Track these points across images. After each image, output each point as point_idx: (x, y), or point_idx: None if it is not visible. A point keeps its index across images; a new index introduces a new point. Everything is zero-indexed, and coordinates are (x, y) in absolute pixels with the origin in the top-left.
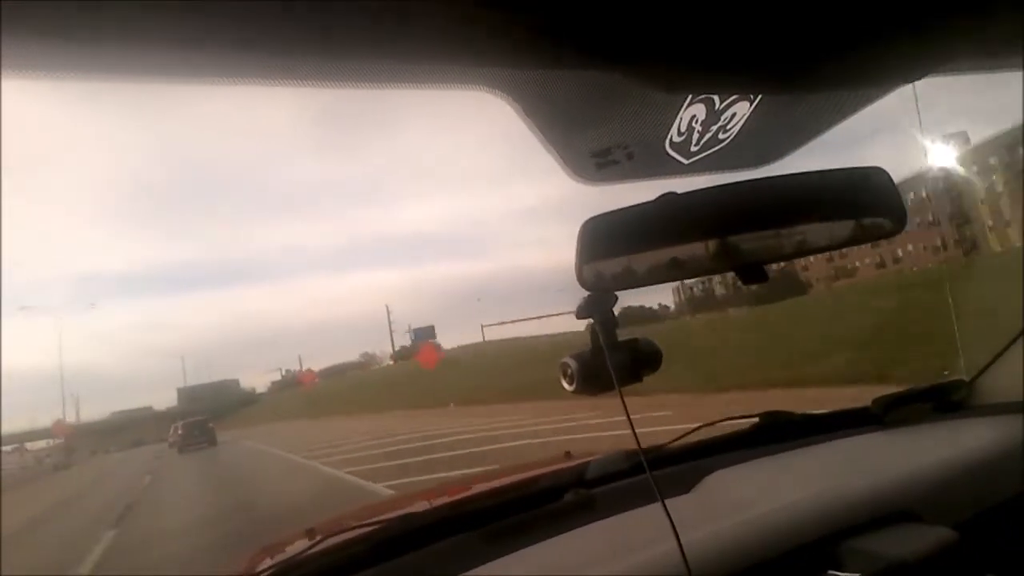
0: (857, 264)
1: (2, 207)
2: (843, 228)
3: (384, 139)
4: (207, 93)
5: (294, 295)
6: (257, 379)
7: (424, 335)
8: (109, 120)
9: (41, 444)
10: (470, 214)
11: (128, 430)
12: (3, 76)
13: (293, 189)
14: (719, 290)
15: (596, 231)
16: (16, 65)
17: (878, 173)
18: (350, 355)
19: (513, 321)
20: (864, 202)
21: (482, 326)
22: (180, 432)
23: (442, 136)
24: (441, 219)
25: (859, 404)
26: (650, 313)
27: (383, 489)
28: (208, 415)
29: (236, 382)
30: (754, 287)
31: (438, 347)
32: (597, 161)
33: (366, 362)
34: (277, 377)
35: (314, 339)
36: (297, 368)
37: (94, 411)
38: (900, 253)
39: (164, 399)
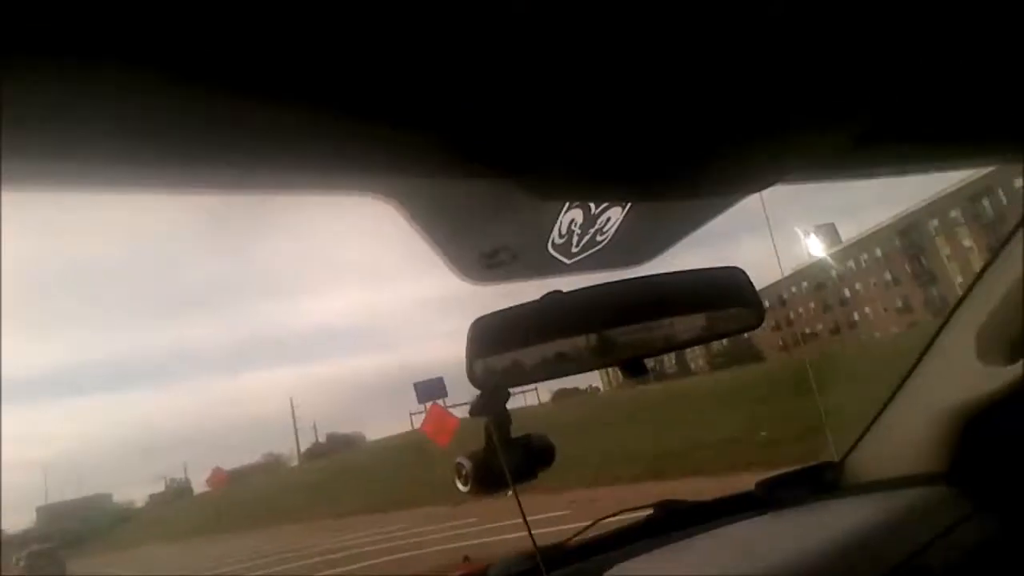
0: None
1: None
2: (709, 322)
3: (278, 238)
4: (83, 200)
5: (182, 398)
6: (136, 492)
7: (431, 392)
8: None
9: None
10: (371, 308)
11: None
12: None
13: (181, 290)
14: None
15: (485, 330)
16: None
17: (737, 273)
18: (251, 458)
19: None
20: (726, 299)
21: (411, 414)
22: (23, 563)
23: (337, 235)
24: (342, 313)
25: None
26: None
27: None
28: (70, 538)
29: (109, 496)
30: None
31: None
32: (486, 262)
33: (270, 463)
34: (160, 488)
35: (205, 444)
36: (182, 477)
37: None
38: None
39: (23, 521)
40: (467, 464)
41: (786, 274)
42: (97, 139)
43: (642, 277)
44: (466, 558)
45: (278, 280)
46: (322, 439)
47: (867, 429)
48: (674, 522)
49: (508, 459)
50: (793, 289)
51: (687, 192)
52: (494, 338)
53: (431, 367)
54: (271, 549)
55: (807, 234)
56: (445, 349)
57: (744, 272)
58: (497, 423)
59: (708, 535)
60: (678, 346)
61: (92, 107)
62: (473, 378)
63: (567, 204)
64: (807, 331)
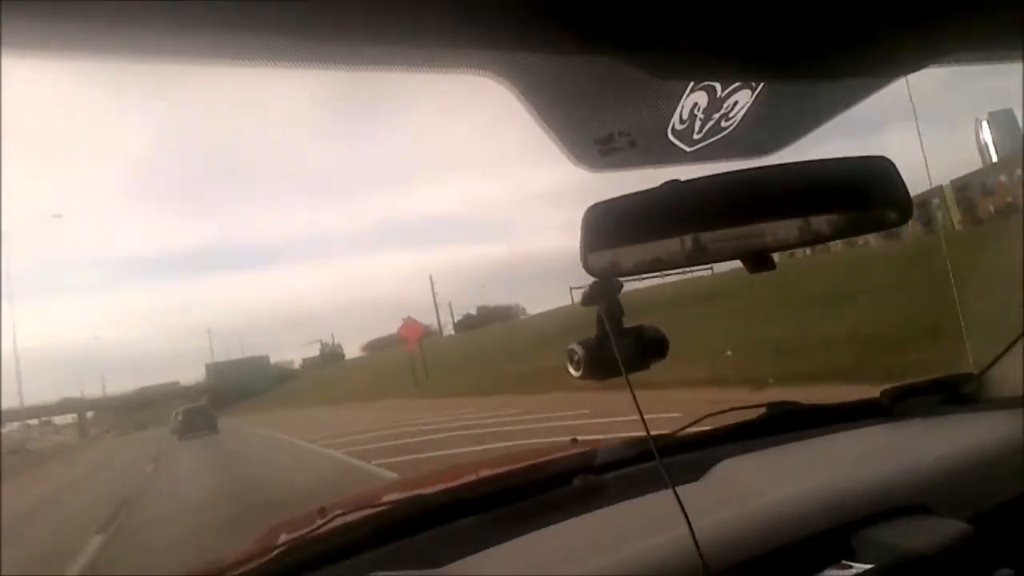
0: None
1: (25, 190)
2: (848, 218)
3: (393, 124)
4: (221, 79)
5: (318, 276)
6: (290, 355)
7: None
8: (136, 108)
9: (69, 418)
10: (488, 198)
11: (155, 405)
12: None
13: (310, 172)
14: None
15: (600, 218)
16: (14, 43)
17: (883, 163)
18: (388, 331)
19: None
20: (870, 192)
21: (571, 288)
22: (180, 419)
23: (451, 120)
24: (461, 201)
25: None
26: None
27: None
28: (231, 391)
29: (266, 358)
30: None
31: None
32: (600, 148)
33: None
34: (315, 352)
35: (343, 318)
36: (335, 342)
37: (121, 386)
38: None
39: (194, 376)
40: (579, 350)
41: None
42: (215, 11)
43: (771, 166)
44: (574, 439)
45: (405, 166)
46: (463, 316)
47: (1015, 341)
48: (788, 423)
49: (619, 347)
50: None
51: (828, 73)
52: (608, 226)
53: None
54: (386, 421)
55: (979, 123)
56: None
57: (891, 162)
58: (609, 312)
59: (823, 439)
60: (810, 242)
61: None
62: (586, 266)
63: (691, 85)
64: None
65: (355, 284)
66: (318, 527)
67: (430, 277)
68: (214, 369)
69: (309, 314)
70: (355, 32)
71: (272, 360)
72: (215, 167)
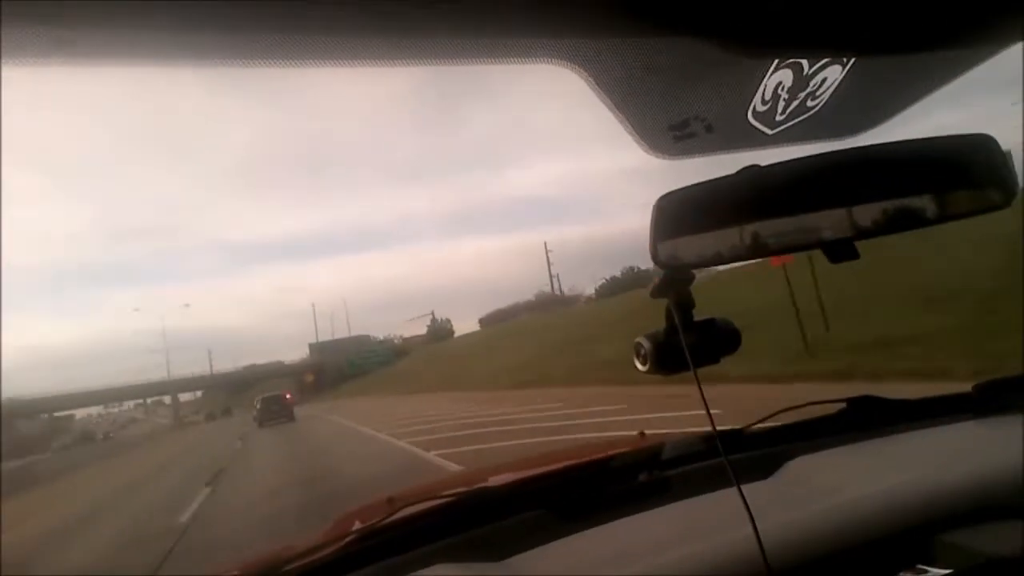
0: None
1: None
2: (946, 201)
3: (483, 112)
4: (321, 80)
5: (417, 259)
6: (392, 331)
7: None
8: (245, 105)
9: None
10: (579, 178)
11: (261, 382)
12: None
13: (407, 161)
14: None
15: (672, 207)
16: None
17: (986, 140)
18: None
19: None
20: (970, 172)
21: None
22: (258, 407)
23: (534, 108)
24: (555, 183)
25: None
26: None
27: None
28: (331, 368)
29: (368, 337)
30: None
31: None
32: (675, 134)
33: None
34: (420, 330)
35: (446, 298)
36: (444, 318)
37: (228, 365)
38: None
39: (299, 355)
40: (646, 344)
41: None
42: (300, 12)
43: (860, 147)
44: (642, 433)
45: (488, 152)
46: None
47: None
48: (869, 419)
49: (689, 341)
50: None
51: (928, 44)
52: (682, 216)
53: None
54: (451, 410)
55: None
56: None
57: (994, 140)
58: (679, 304)
59: (910, 435)
60: (902, 228)
61: None
62: (656, 257)
63: (774, 63)
64: None
65: (449, 264)
66: (386, 517)
67: (544, 245)
68: (319, 347)
69: (408, 296)
70: (432, 28)
71: (375, 337)
72: (316, 161)
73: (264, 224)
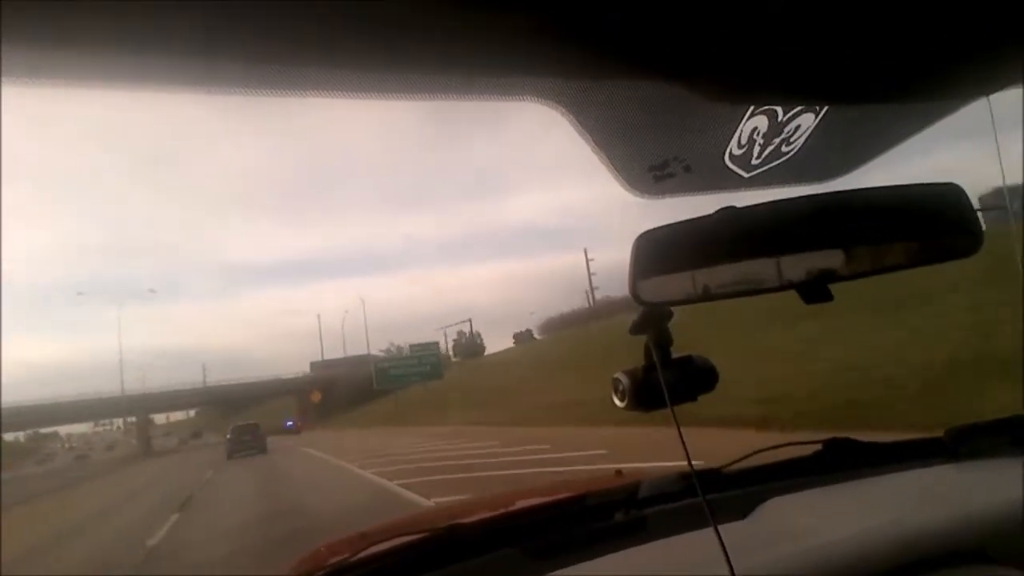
0: None
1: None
2: (914, 247)
3: (480, 145)
4: (322, 104)
5: (416, 285)
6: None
7: None
8: (248, 129)
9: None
10: (571, 208)
11: (259, 401)
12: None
13: (410, 187)
14: None
15: (651, 245)
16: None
17: (954, 190)
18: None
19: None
20: (937, 220)
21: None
22: (229, 436)
23: (536, 137)
24: (547, 212)
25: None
26: None
27: None
28: (326, 384)
29: (368, 356)
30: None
31: None
32: (655, 174)
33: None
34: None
35: (443, 320)
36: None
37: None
38: None
39: (301, 370)
40: (624, 380)
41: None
42: (302, 44)
43: (832, 192)
44: (619, 471)
45: (492, 179)
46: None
47: None
48: (844, 461)
49: (667, 378)
50: None
51: (899, 96)
52: (660, 254)
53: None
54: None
55: None
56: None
57: (962, 189)
58: (658, 342)
59: (884, 479)
60: (872, 272)
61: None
62: (635, 294)
63: (751, 110)
64: None
65: (445, 290)
66: (354, 554)
67: (585, 252)
68: (321, 366)
69: (413, 321)
70: (425, 64)
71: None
72: (317, 186)
73: (265, 245)
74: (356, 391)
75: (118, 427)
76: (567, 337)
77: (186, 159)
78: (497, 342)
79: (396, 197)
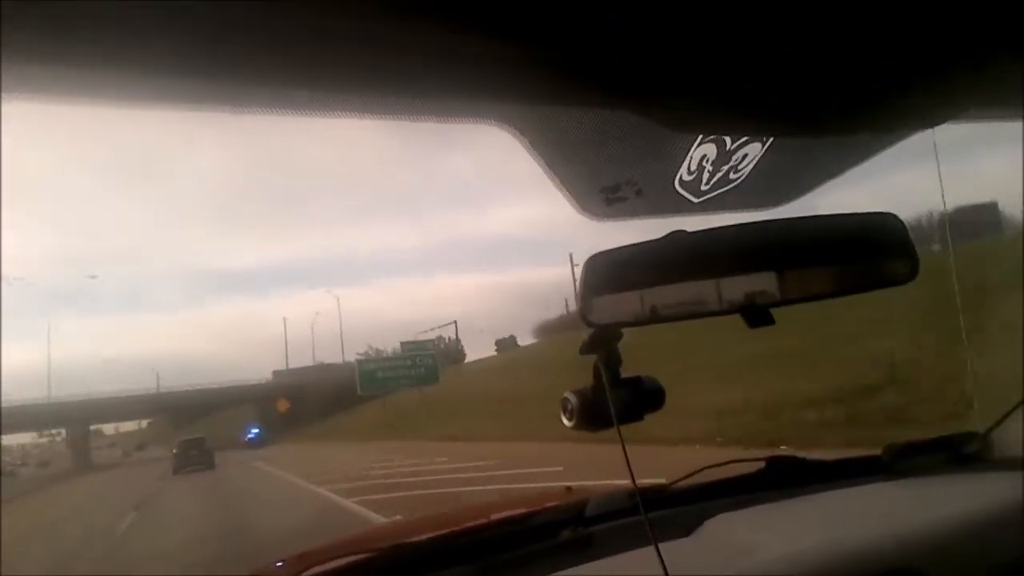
0: None
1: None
2: (854, 274)
3: (455, 156)
4: (292, 121)
5: (385, 295)
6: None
7: None
8: (212, 143)
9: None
10: (538, 222)
11: (218, 411)
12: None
13: (382, 199)
14: None
15: (602, 266)
16: (18, 88)
17: (891, 219)
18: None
19: None
20: (876, 248)
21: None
22: (175, 451)
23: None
24: (522, 224)
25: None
26: None
27: None
28: (289, 392)
29: (333, 365)
30: None
31: None
32: (607, 197)
33: None
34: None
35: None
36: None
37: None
38: None
39: (263, 377)
40: (573, 400)
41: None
42: (262, 66)
43: (777, 220)
44: (568, 487)
45: (466, 192)
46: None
47: (1022, 402)
48: (787, 479)
49: (615, 398)
50: None
51: (841, 129)
52: (610, 275)
53: None
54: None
55: None
56: None
57: (899, 219)
58: (607, 362)
59: (824, 496)
60: (814, 298)
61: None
62: (585, 314)
63: (700, 138)
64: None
65: (417, 301)
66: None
67: (570, 257)
68: (285, 374)
69: (382, 331)
70: (383, 86)
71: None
72: (284, 197)
73: (230, 254)
74: (330, 399)
75: (63, 438)
76: (559, 341)
77: (154, 168)
78: (471, 352)
79: (367, 209)
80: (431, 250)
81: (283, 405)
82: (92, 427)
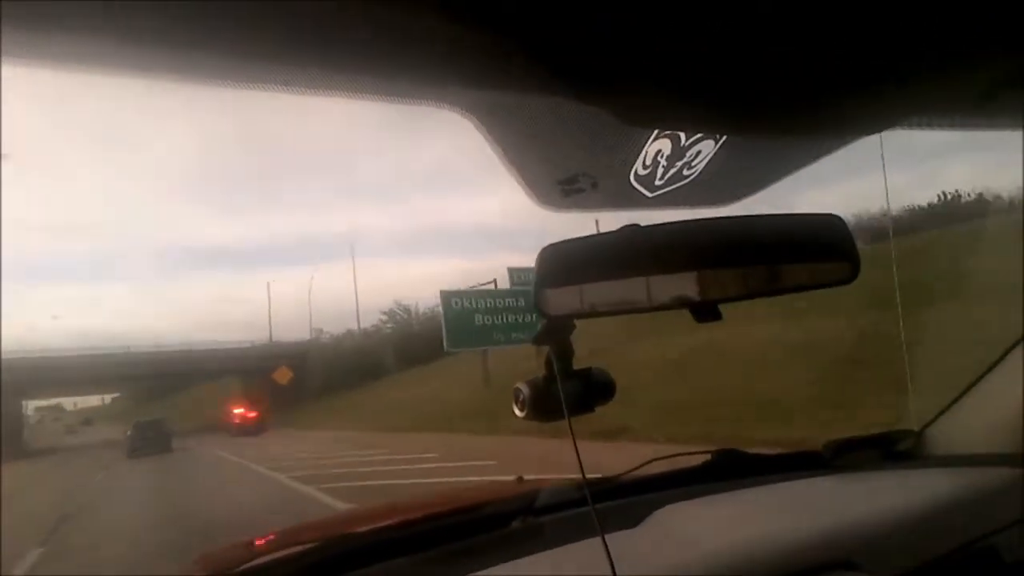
0: None
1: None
2: (798, 273)
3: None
4: (265, 97)
5: (359, 277)
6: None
7: None
8: (187, 116)
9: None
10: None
11: (198, 383)
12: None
13: (361, 179)
14: None
15: (556, 258)
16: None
17: (835, 221)
18: None
19: None
20: (820, 248)
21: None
22: (129, 434)
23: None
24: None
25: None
26: None
27: None
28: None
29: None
30: None
31: None
32: (563, 188)
33: None
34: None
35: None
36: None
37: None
38: None
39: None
40: (525, 390)
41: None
42: (212, 35)
43: (727, 218)
44: (520, 478)
45: (443, 176)
46: None
47: (955, 400)
48: (732, 471)
49: (566, 389)
50: None
51: (792, 130)
52: (564, 267)
53: None
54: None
55: None
56: None
57: (843, 221)
58: (559, 353)
59: (766, 488)
60: (759, 295)
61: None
62: (540, 305)
63: (655, 133)
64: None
65: (403, 281)
66: (238, 564)
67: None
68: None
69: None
70: (329, 61)
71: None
72: (262, 174)
73: (208, 230)
74: (353, 368)
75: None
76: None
77: (128, 141)
78: None
79: (345, 190)
80: (415, 233)
81: (283, 375)
82: (40, 401)
